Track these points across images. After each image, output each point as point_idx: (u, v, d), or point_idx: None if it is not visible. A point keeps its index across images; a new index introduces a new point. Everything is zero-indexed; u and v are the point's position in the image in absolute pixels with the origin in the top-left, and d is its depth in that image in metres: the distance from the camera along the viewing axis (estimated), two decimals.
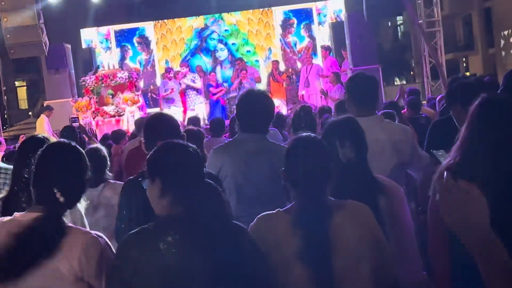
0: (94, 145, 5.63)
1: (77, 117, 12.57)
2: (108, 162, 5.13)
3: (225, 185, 3.79)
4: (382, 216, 3.02)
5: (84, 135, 8.10)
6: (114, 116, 15.52)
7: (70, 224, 2.60)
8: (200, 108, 16.38)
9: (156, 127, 3.50)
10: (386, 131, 4.12)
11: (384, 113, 5.86)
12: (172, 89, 16.27)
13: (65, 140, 2.79)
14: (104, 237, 2.63)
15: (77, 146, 2.72)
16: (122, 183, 5.04)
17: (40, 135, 3.49)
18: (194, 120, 9.57)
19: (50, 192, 2.54)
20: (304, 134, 2.86)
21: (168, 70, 17.14)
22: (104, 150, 5.19)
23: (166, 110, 14.98)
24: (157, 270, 2.35)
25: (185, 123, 11.07)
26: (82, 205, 3.23)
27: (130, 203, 3.31)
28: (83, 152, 2.73)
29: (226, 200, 2.57)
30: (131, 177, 3.53)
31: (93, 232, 2.62)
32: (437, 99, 8.49)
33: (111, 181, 5.10)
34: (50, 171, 2.61)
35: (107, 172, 5.11)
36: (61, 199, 2.54)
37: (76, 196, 2.65)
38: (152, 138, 3.29)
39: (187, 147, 2.58)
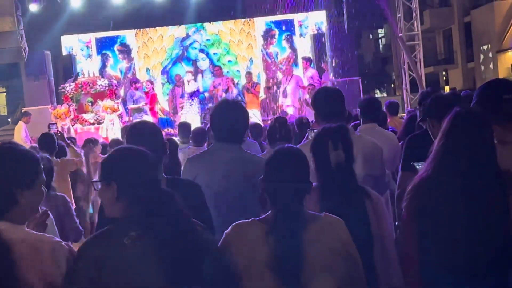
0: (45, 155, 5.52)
1: (55, 123, 12.50)
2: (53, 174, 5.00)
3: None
4: (369, 217, 3.13)
5: (62, 142, 8.03)
6: (93, 124, 15.44)
7: (28, 231, 2.52)
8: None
9: (139, 133, 3.49)
10: (356, 144, 4.17)
11: (354, 126, 5.96)
12: (152, 98, 16.14)
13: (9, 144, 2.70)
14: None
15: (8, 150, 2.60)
16: (62, 195, 4.98)
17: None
18: (185, 126, 9.40)
19: None
20: (285, 145, 2.90)
21: (134, 80, 16.97)
22: (51, 161, 5.08)
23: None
24: (125, 263, 2.35)
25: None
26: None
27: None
28: (15, 158, 2.57)
29: (183, 205, 2.55)
30: None
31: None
32: (407, 110, 8.55)
33: (53, 193, 4.94)
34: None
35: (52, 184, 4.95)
36: None
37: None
38: (134, 142, 3.28)
39: (141, 152, 2.59)
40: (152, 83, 17.32)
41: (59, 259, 2.43)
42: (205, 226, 2.64)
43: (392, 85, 40.31)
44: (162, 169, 3.41)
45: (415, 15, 16.38)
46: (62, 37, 19.90)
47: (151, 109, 16.49)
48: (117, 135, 14.24)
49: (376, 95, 40.04)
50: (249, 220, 2.76)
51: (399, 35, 16.37)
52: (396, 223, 4.96)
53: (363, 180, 4.12)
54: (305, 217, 2.70)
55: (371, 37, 43.97)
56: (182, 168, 4.26)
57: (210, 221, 3.31)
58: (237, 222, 2.78)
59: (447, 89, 33.72)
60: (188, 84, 16.61)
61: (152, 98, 16.64)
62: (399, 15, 16.44)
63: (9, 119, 33.40)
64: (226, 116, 3.94)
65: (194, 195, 3.37)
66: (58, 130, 9.13)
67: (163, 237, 2.39)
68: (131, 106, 16.23)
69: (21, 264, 2.38)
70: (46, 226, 2.80)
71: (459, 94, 6.68)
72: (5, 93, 41.04)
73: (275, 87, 18.49)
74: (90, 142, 8.76)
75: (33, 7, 15.93)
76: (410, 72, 16.42)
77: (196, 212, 2.98)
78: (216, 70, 17.60)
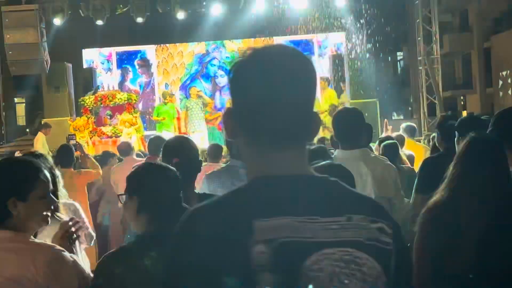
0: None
1: (74, 135, 12.62)
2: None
3: None
4: None
5: (80, 152, 8.13)
6: (111, 136, 15.56)
7: (28, 240, 2.58)
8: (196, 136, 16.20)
9: (174, 147, 3.57)
10: (368, 165, 4.21)
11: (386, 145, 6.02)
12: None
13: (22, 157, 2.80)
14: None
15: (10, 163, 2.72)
16: (72, 202, 5.03)
17: (37, 152, 3.50)
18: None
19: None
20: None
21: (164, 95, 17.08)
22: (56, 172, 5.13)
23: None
24: (146, 283, 2.37)
25: None
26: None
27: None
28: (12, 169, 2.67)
29: None
30: None
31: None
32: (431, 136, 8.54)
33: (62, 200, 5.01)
34: None
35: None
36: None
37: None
38: (169, 155, 3.37)
39: (167, 169, 2.66)
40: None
41: (55, 268, 2.48)
42: None
43: (409, 108, 40.21)
44: (193, 185, 3.47)
45: (434, 39, 16.40)
46: (83, 50, 20.14)
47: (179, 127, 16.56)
48: (135, 148, 14.33)
49: (393, 118, 39.95)
50: None
51: (419, 58, 16.41)
52: (408, 244, 4.99)
53: None
54: None
55: (389, 59, 43.97)
56: (200, 184, 4.31)
57: None
58: None
59: (464, 114, 33.60)
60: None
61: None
62: (419, 38, 16.47)
63: (27, 130, 33.70)
64: None
65: None
66: (77, 142, 9.21)
67: None
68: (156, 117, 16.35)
69: (13, 272, 2.45)
70: (74, 237, 2.85)
71: (477, 117, 6.70)
72: (24, 104, 41.45)
73: None
74: (110, 156, 8.98)
75: (57, 21, 16.14)
76: (428, 96, 16.41)
77: None
78: None
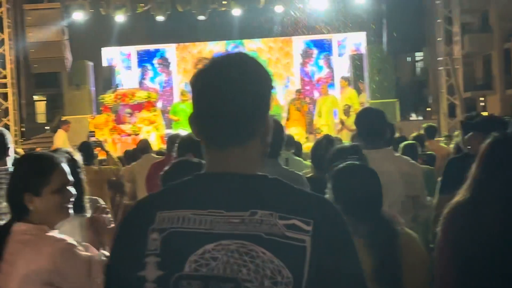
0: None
1: (94, 132, 12.72)
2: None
3: None
4: None
5: (100, 149, 8.19)
6: (130, 135, 15.64)
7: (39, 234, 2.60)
8: None
9: (188, 143, 3.59)
10: (395, 164, 4.22)
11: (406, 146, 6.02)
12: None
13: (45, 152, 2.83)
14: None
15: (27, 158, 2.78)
16: (95, 198, 5.07)
17: (63, 149, 3.55)
18: None
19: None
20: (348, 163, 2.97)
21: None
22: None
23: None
24: None
25: None
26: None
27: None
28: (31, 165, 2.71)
29: None
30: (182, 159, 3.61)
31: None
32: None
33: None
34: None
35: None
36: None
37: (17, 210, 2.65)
38: (183, 152, 3.39)
39: (200, 165, 2.62)
40: None
41: (62, 262, 2.50)
42: None
43: (429, 109, 40.00)
44: None
45: (455, 39, 16.30)
46: (103, 48, 20.28)
47: None
48: (154, 146, 14.43)
49: (412, 119, 39.77)
50: None
51: (439, 59, 16.33)
52: (431, 245, 4.98)
53: (404, 201, 4.15)
54: None
55: (409, 59, 43.74)
56: None
57: None
58: None
59: (484, 115, 33.30)
60: None
61: None
62: (439, 38, 16.38)
63: (47, 127, 33.95)
64: None
65: None
66: (98, 139, 9.29)
67: None
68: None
69: (23, 265, 2.49)
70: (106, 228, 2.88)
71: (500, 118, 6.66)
72: (44, 101, 41.78)
73: (310, 106, 18.51)
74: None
75: (78, 19, 16.24)
76: (449, 96, 16.33)
77: None
78: None
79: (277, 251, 1.48)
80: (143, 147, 8.70)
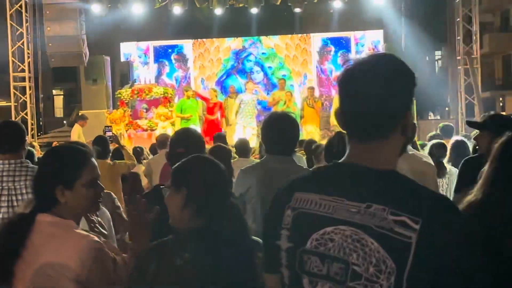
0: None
1: (111, 127, 12.75)
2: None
3: (252, 206, 3.85)
4: None
5: (117, 144, 8.19)
6: (146, 130, 15.68)
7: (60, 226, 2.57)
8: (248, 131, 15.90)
9: (179, 137, 3.59)
10: (408, 161, 4.18)
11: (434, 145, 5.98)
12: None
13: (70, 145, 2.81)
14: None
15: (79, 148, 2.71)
16: (109, 192, 5.09)
17: (79, 143, 3.55)
18: (221, 138, 9.54)
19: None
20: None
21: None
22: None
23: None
24: (175, 283, 2.36)
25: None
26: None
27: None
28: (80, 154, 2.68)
29: (246, 221, 2.56)
30: (146, 191, 3.61)
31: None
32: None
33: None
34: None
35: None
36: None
37: (44, 200, 2.61)
38: (174, 148, 3.41)
39: (216, 163, 2.58)
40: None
41: (94, 262, 2.46)
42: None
43: (447, 108, 39.73)
44: None
45: (475, 38, 16.15)
46: (121, 43, 20.34)
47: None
48: None
49: (430, 118, 39.55)
50: None
51: (458, 58, 16.20)
52: None
53: None
54: None
55: (427, 58, 43.48)
56: (235, 179, 4.29)
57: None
58: None
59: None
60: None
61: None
62: (458, 37, 16.24)
63: (65, 121, 34.17)
64: (277, 128, 4.00)
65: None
66: (113, 133, 9.28)
67: (218, 261, 2.36)
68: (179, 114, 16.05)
69: (51, 259, 2.46)
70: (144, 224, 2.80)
71: None
72: (62, 96, 42.05)
73: (327, 103, 18.44)
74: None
75: (96, 14, 16.26)
76: (467, 96, 16.19)
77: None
78: (281, 83, 17.21)
79: (384, 243, 1.65)
80: (161, 141, 8.66)
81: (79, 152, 2.67)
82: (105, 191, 4.21)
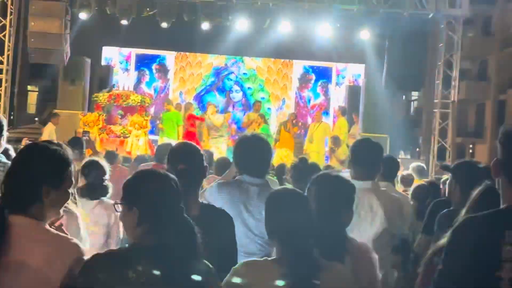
0: (95, 157, 5.66)
1: (89, 132, 12.67)
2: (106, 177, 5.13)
3: None
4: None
5: (91, 150, 8.12)
6: (119, 136, 15.58)
7: (48, 229, 2.52)
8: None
9: (180, 153, 3.54)
10: (380, 198, 4.22)
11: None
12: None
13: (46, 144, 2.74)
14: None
15: (44, 150, 2.62)
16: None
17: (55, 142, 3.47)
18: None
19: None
20: (282, 187, 2.93)
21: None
22: (102, 164, 5.19)
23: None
24: None
25: None
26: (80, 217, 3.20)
27: None
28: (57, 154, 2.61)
29: (199, 238, 2.50)
30: None
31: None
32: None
33: (105, 199, 5.07)
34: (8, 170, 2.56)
35: (106, 188, 5.10)
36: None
37: (18, 199, 2.50)
38: (174, 162, 3.35)
39: (167, 178, 2.53)
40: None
41: (67, 261, 2.43)
42: (213, 270, 2.56)
43: (418, 149, 40.18)
44: (197, 194, 3.43)
45: (453, 84, 16.39)
46: (104, 47, 20.24)
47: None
48: (141, 151, 14.35)
49: (400, 157, 39.97)
50: (262, 259, 2.76)
51: (435, 101, 16.43)
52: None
53: (381, 235, 4.17)
54: (320, 265, 2.69)
55: (404, 98, 44.01)
56: (206, 191, 4.27)
57: (235, 255, 3.29)
58: (249, 260, 2.79)
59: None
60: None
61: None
62: (438, 81, 16.47)
63: (36, 118, 33.77)
64: (250, 150, 4.01)
65: (226, 227, 3.36)
66: (88, 138, 9.18)
67: (168, 278, 2.34)
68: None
69: (38, 264, 2.40)
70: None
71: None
72: (36, 93, 41.58)
73: (302, 131, 18.53)
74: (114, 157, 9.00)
75: (82, 16, 16.18)
76: (440, 139, 16.39)
77: (224, 244, 2.98)
78: (256, 106, 17.35)
79: None
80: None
81: (67, 152, 2.63)
82: (111, 201, 4.17)
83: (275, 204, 2.81)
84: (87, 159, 5.55)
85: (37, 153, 2.60)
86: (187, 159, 3.39)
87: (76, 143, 7.39)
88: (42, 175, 2.52)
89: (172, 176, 2.56)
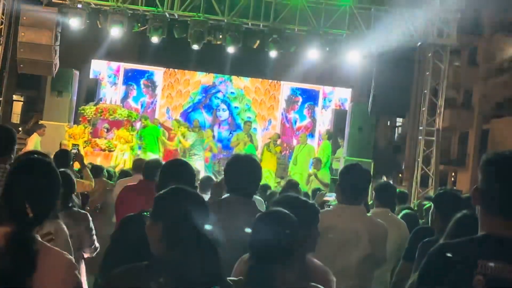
0: (62, 169, 5.67)
1: (78, 145, 12.65)
2: (74, 188, 5.12)
3: None
4: None
5: (79, 163, 8.09)
6: (104, 150, 15.56)
7: (43, 242, 2.56)
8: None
9: (174, 170, 3.56)
10: (365, 223, 4.29)
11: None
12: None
13: (39, 156, 2.78)
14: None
15: (51, 162, 2.69)
16: (85, 212, 5.08)
17: (40, 152, 3.52)
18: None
19: (21, 206, 2.48)
20: (275, 209, 2.98)
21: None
22: (72, 175, 5.19)
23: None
24: None
25: None
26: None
27: (127, 240, 3.32)
28: (56, 169, 2.68)
29: (220, 258, 2.55)
30: (131, 214, 3.55)
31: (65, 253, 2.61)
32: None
33: (75, 209, 5.06)
34: (23, 186, 2.55)
35: (73, 199, 5.10)
36: (31, 214, 2.48)
37: (46, 213, 2.58)
38: (167, 180, 3.37)
39: (197, 197, 2.59)
40: None
41: (66, 279, 2.49)
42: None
43: (400, 175, 40.39)
44: None
45: (439, 111, 16.55)
46: (92, 60, 20.24)
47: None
48: (127, 165, 14.32)
49: (382, 181, 40.13)
50: (237, 279, 2.79)
51: (420, 128, 16.58)
52: None
53: (365, 259, 4.23)
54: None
55: (388, 123, 44.32)
56: None
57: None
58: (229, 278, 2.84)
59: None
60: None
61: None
62: (423, 108, 16.63)
63: (20, 128, 33.61)
64: (242, 170, 4.05)
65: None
66: (78, 151, 9.13)
67: None
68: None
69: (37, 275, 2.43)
70: None
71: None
72: (21, 102, 41.37)
73: (287, 152, 18.62)
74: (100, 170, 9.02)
75: (73, 28, 16.18)
76: (423, 166, 16.51)
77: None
78: (246, 126, 17.50)
79: None
80: (138, 165, 8.52)
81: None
82: (82, 210, 4.23)
83: (260, 223, 2.85)
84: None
85: (51, 167, 2.69)
86: (178, 178, 3.43)
87: (63, 156, 7.37)
88: (64, 188, 2.67)
89: (200, 194, 2.61)
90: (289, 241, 2.75)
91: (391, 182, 34.47)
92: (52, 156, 12.14)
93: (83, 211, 5.10)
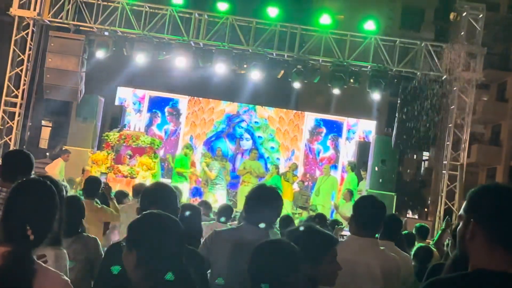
0: (73, 193, 5.70)
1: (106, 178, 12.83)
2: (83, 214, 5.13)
3: (216, 268, 3.90)
4: None
5: (106, 194, 8.11)
6: (126, 176, 15.59)
7: (40, 262, 2.55)
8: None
9: (153, 194, 3.54)
10: (378, 256, 4.18)
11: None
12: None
13: (39, 177, 2.78)
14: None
15: (51, 184, 2.67)
16: (95, 237, 5.09)
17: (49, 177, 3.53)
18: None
19: (21, 228, 2.47)
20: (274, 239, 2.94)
21: None
22: (81, 201, 5.24)
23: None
24: None
25: None
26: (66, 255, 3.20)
27: (110, 268, 3.28)
28: (55, 191, 2.67)
29: (195, 283, 2.49)
30: (114, 242, 3.55)
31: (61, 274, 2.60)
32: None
33: (85, 234, 5.06)
34: (22, 207, 2.54)
35: (83, 224, 5.10)
36: (31, 236, 2.47)
37: (44, 234, 2.56)
38: (147, 204, 3.34)
39: (169, 219, 2.52)
40: None
41: None
42: None
43: (425, 209, 39.91)
44: None
45: (463, 146, 16.37)
46: (118, 87, 20.44)
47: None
48: None
49: (408, 216, 39.67)
50: None
51: (444, 162, 16.40)
52: None
53: None
54: None
55: (415, 157, 43.94)
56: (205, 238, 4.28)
57: None
58: None
59: None
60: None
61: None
62: (448, 143, 16.47)
63: (47, 153, 33.96)
64: (263, 201, 3.99)
65: (197, 266, 3.43)
66: (107, 184, 9.12)
67: None
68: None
69: None
70: None
71: None
72: (50, 128, 41.90)
73: (310, 183, 18.49)
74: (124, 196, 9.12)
75: (99, 55, 16.42)
76: (447, 201, 16.29)
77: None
78: (253, 153, 17.70)
79: None
80: (138, 190, 8.59)
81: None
82: (91, 235, 4.24)
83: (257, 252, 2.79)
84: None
85: (32, 188, 2.67)
86: (159, 201, 3.39)
87: (91, 182, 7.51)
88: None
89: (176, 219, 2.54)
90: (285, 273, 2.65)
91: (416, 217, 34.21)
92: (77, 180, 12.34)
93: (93, 236, 5.07)
